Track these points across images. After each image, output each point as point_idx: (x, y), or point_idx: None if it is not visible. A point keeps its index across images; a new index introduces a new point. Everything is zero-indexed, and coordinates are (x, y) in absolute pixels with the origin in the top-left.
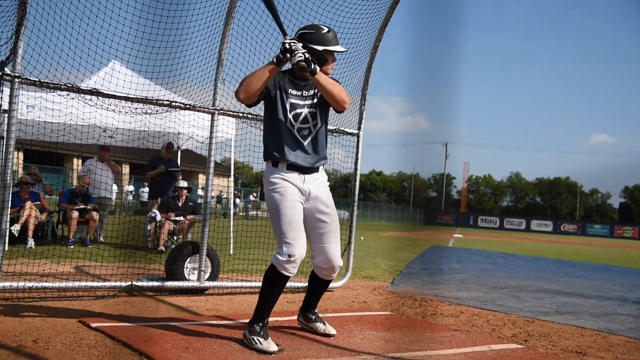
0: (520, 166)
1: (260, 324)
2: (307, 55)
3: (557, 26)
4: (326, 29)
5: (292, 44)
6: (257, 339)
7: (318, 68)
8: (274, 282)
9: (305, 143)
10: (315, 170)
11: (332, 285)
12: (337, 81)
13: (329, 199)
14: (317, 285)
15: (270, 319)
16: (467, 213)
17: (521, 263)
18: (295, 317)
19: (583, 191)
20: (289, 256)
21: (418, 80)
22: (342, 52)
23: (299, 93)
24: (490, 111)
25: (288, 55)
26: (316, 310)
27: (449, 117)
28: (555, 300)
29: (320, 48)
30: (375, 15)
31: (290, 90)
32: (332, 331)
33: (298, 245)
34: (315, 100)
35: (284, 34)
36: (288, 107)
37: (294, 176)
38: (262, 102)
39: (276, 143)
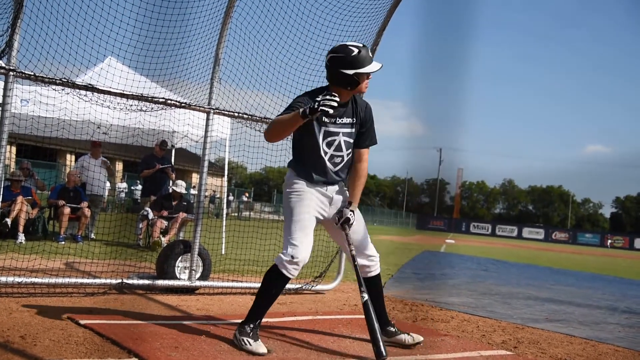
0: (514, 174)
1: (252, 325)
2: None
3: (554, 36)
4: (356, 51)
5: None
6: (247, 340)
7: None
8: (273, 282)
9: (335, 169)
10: (337, 183)
11: (323, 287)
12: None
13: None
14: (372, 288)
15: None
16: (460, 219)
17: (512, 270)
18: (285, 319)
19: (575, 200)
20: (292, 257)
21: (415, 84)
22: (377, 70)
23: (334, 120)
24: (486, 118)
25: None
26: (392, 322)
27: (444, 122)
28: (546, 308)
29: (351, 72)
30: (373, 19)
31: (324, 118)
32: (420, 338)
33: (303, 249)
34: (352, 130)
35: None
36: (322, 135)
37: (317, 186)
38: None
39: (306, 166)
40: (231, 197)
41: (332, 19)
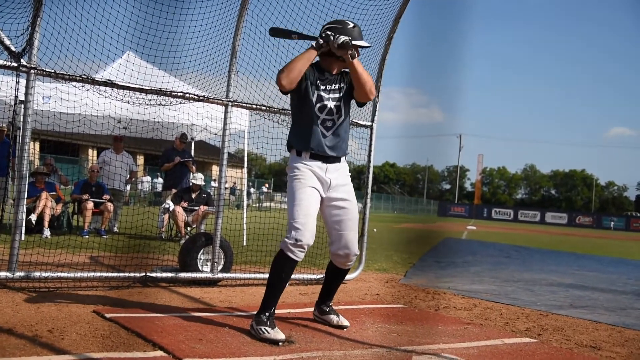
0: (535, 158)
1: (267, 314)
2: (345, 39)
3: (576, 16)
4: (352, 25)
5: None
6: (264, 329)
7: (357, 53)
8: (281, 266)
9: (329, 134)
10: (337, 160)
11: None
12: None
13: (349, 188)
14: (334, 275)
15: (283, 310)
16: (481, 205)
17: (535, 256)
18: (307, 310)
19: (599, 183)
20: (296, 240)
21: (430, 71)
22: (367, 47)
23: (325, 87)
24: (506, 102)
25: (331, 38)
26: (331, 303)
27: (464, 108)
28: (570, 294)
29: None
30: (390, 6)
31: (318, 82)
32: (345, 322)
33: (306, 231)
34: (340, 94)
35: (315, 37)
36: (315, 98)
37: (317, 164)
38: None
39: (301, 133)
40: (252, 189)
41: (347, 7)
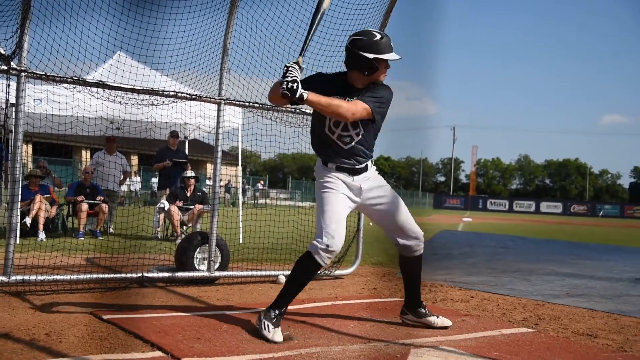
0: (529, 148)
1: (277, 312)
2: (292, 85)
3: (569, 3)
4: (379, 36)
5: (290, 69)
6: (268, 325)
7: (305, 95)
8: (306, 268)
9: (346, 148)
10: (364, 169)
11: (342, 272)
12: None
13: (381, 183)
14: (411, 268)
15: None
16: (476, 196)
17: (531, 246)
18: (305, 306)
19: (592, 172)
20: (328, 246)
21: (423, 62)
22: (395, 60)
23: (343, 99)
24: (498, 93)
25: (284, 79)
26: (424, 304)
27: (456, 100)
28: (566, 283)
29: (370, 56)
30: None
31: (334, 96)
32: (448, 322)
33: (337, 238)
34: None
35: (300, 53)
36: None
37: (343, 175)
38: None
39: (320, 147)
40: (247, 186)
41: (339, 1)
